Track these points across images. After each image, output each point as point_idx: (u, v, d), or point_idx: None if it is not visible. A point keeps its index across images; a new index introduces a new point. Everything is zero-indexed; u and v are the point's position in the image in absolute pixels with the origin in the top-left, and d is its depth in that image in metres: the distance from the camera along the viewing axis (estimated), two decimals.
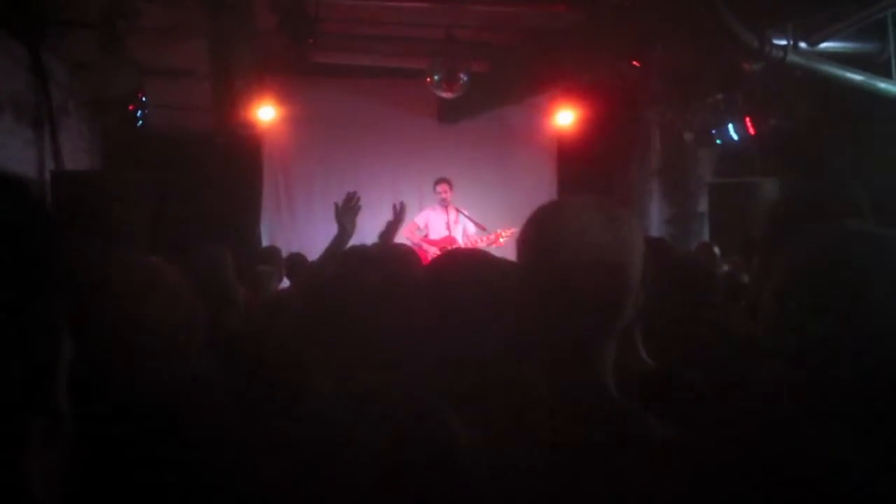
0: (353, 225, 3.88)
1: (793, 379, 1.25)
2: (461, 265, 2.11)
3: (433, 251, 8.43)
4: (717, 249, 7.28)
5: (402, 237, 7.53)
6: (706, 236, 9.19)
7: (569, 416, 1.39)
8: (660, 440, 1.36)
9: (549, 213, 1.52)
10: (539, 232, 1.50)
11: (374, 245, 4.09)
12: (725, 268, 6.46)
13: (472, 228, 9.00)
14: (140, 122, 7.14)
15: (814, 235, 1.35)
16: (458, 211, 9.12)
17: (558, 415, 1.39)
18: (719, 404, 1.67)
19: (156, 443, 1.53)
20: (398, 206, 4.48)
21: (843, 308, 1.20)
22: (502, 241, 8.50)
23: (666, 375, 2.30)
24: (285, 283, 5.91)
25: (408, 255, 3.38)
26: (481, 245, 8.47)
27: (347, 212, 3.87)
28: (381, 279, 2.27)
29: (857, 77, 6.32)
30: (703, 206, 9.66)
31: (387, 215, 9.76)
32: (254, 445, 1.50)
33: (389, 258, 3.30)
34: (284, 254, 6.68)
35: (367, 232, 4.94)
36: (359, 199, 3.93)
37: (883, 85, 6.34)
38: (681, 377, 2.24)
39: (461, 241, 8.90)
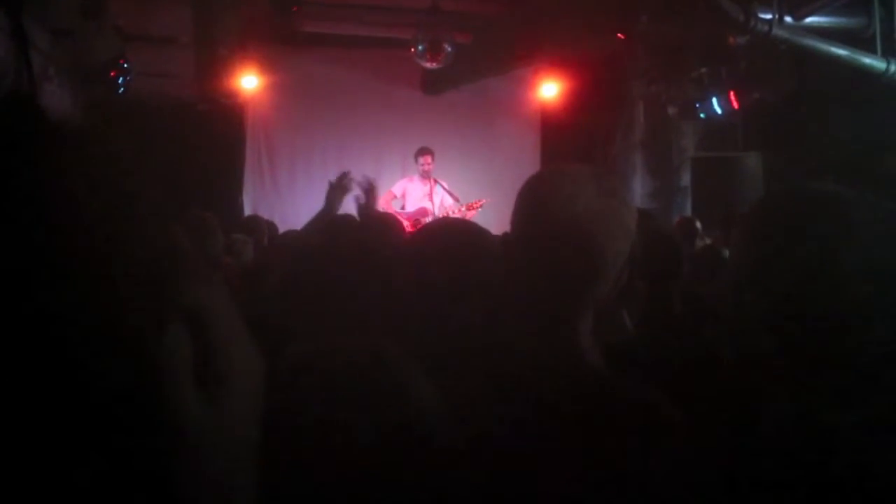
0: (340, 203, 3.93)
1: (759, 344, 1.26)
2: (443, 233, 2.12)
3: (406, 224, 8.41)
4: (699, 224, 7.31)
5: (378, 206, 7.52)
6: (689, 210, 9.23)
7: (544, 380, 1.39)
8: (633, 402, 1.38)
9: (542, 178, 1.54)
10: (530, 196, 1.51)
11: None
12: (708, 241, 6.50)
13: (448, 200, 8.95)
14: (122, 88, 7.08)
15: (770, 195, 1.36)
16: (436, 182, 9.08)
17: (533, 379, 1.40)
18: (685, 372, 1.68)
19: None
20: (366, 184, 4.46)
21: (798, 265, 1.19)
22: (472, 213, 8.43)
23: (640, 344, 2.34)
24: None
25: (392, 224, 3.39)
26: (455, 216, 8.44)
27: (337, 189, 3.91)
28: (362, 247, 2.28)
29: (841, 52, 6.33)
30: (685, 180, 9.69)
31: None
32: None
33: (372, 226, 3.32)
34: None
35: (348, 202, 4.92)
36: (351, 179, 3.97)
37: (867, 60, 6.36)
38: (651, 346, 2.28)
39: (437, 213, 8.85)
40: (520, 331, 1.49)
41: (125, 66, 6.99)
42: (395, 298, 1.90)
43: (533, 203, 1.50)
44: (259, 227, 6.33)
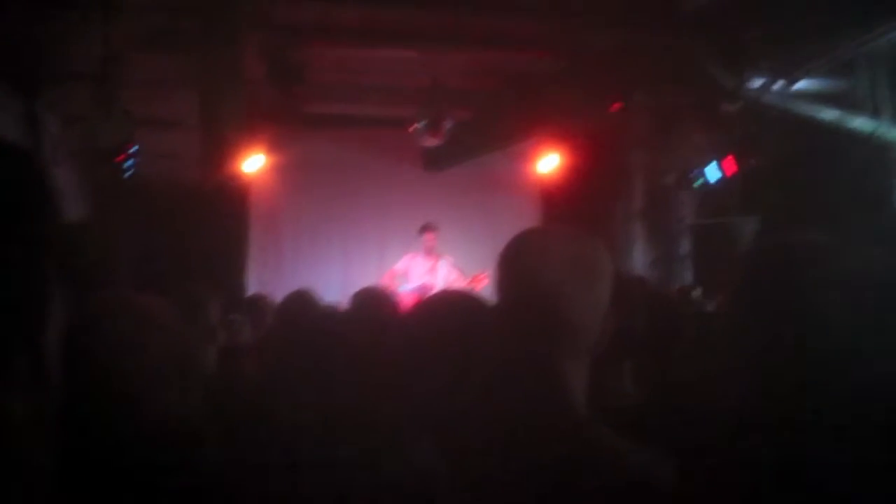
0: None
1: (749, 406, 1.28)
2: (438, 305, 2.18)
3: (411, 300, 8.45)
4: (699, 290, 7.36)
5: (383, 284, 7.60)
6: (690, 278, 9.28)
7: (536, 439, 1.42)
8: (627, 464, 1.39)
9: (516, 239, 1.60)
10: (506, 257, 1.57)
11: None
12: (710, 308, 6.53)
13: (452, 275, 8.98)
14: (130, 171, 7.21)
15: (756, 248, 1.40)
16: (441, 258, 9.14)
17: (526, 439, 1.43)
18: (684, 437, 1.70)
19: (145, 477, 1.55)
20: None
21: (785, 315, 1.22)
22: (477, 286, 8.48)
23: (642, 408, 2.36)
24: None
25: (380, 297, 3.44)
26: None
27: None
28: (355, 327, 2.34)
29: (831, 114, 6.51)
30: (685, 247, 9.77)
31: (373, 265, 9.86)
32: (237, 482, 1.54)
33: (362, 303, 3.38)
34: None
35: (355, 279, 4.99)
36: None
37: (856, 121, 6.52)
38: (652, 410, 2.31)
39: (441, 288, 8.86)
40: (514, 395, 1.52)
41: (133, 150, 7.13)
42: (392, 372, 1.94)
43: (505, 268, 1.57)
44: (261, 307, 6.36)
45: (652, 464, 1.37)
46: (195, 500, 1.54)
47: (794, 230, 1.36)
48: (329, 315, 3.04)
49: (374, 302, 3.34)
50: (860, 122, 6.53)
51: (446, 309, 2.07)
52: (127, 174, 7.29)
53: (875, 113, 6.55)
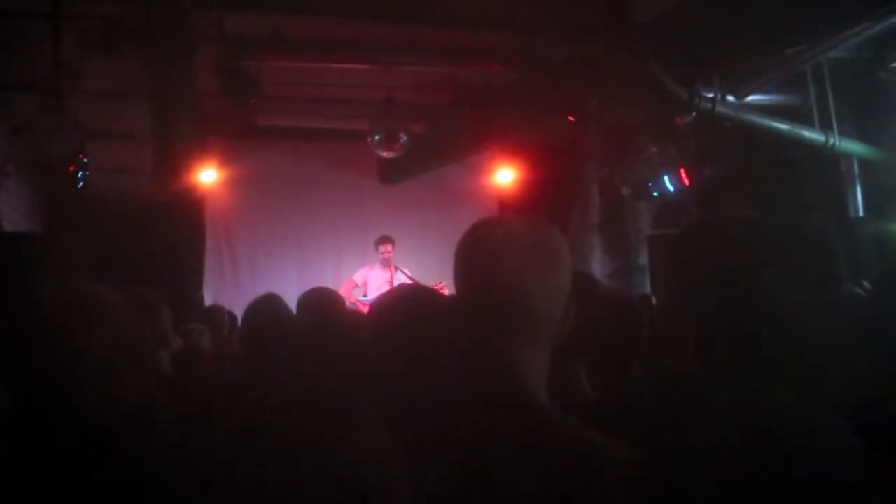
0: None
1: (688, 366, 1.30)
2: (396, 295, 2.18)
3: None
4: (655, 299, 7.40)
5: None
6: (648, 288, 9.34)
7: (495, 424, 1.42)
8: (589, 448, 1.39)
9: (471, 231, 1.59)
10: (462, 247, 1.57)
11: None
12: None
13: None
14: (81, 183, 7.10)
15: (687, 226, 1.42)
16: (397, 269, 9.15)
17: (486, 425, 1.42)
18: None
19: (103, 463, 1.54)
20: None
21: (717, 283, 1.24)
22: None
23: (599, 406, 2.36)
24: None
25: (328, 295, 3.48)
26: None
27: None
28: (308, 320, 2.33)
29: (782, 126, 6.59)
30: (643, 258, 9.83)
31: (330, 276, 9.82)
32: (194, 464, 1.52)
33: (313, 301, 3.40)
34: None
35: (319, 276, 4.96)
36: None
37: (807, 133, 6.62)
38: (609, 408, 2.31)
39: None
40: (472, 382, 1.51)
41: (84, 160, 7.02)
42: (356, 362, 1.94)
43: (463, 256, 1.56)
44: (218, 318, 6.33)
45: (613, 447, 1.37)
46: (153, 486, 1.52)
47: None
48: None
49: (324, 296, 3.38)
50: (811, 134, 6.63)
51: (403, 298, 2.09)
52: (78, 185, 7.19)
53: (824, 125, 6.65)
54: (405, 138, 8.72)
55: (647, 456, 1.31)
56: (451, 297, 1.78)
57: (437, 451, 1.44)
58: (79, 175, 7.02)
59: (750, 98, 6.70)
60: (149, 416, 1.67)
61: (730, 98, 6.58)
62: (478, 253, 1.53)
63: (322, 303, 3.33)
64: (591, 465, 1.34)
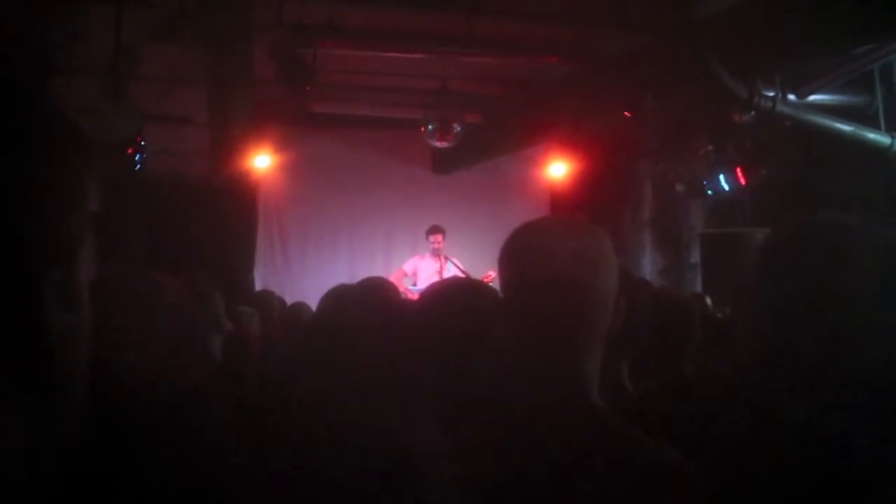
0: None
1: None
2: (447, 286, 2.17)
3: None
4: (708, 299, 7.30)
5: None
6: (699, 287, 9.22)
7: (552, 428, 1.40)
8: (648, 450, 1.39)
9: (518, 232, 1.58)
10: (510, 250, 1.55)
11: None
12: (718, 316, 6.49)
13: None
14: (139, 165, 7.21)
15: (777, 229, 1.40)
16: (447, 259, 9.15)
17: (542, 428, 1.41)
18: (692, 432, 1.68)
19: (156, 449, 1.55)
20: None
21: (805, 296, 1.22)
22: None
23: (646, 405, 2.33)
24: None
25: (383, 285, 3.44)
26: None
27: None
28: (360, 310, 2.32)
29: (846, 128, 6.44)
30: (695, 256, 9.71)
31: (380, 264, 9.87)
32: (248, 451, 1.53)
33: (366, 290, 3.37)
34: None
35: (361, 278, 4.95)
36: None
37: (871, 135, 6.45)
38: (658, 407, 2.28)
39: None
40: (528, 383, 1.49)
41: (142, 143, 7.12)
42: (408, 355, 1.93)
43: (511, 258, 1.55)
44: (268, 302, 6.38)
45: (669, 450, 1.38)
46: (207, 470, 1.53)
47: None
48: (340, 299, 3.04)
49: (381, 286, 3.34)
50: (876, 136, 6.46)
51: (454, 290, 2.07)
52: (136, 167, 7.29)
53: (890, 127, 6.48)
54: (459, 128, 8.69)
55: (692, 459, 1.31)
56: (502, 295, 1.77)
57: (486, 448, 1.43)
58: (136, 158, 7.11)
59: (812, 97, 6.56)
60: (203, 402, 1.67)
61: (791, 97, 6.44)
62: (526, 255, 1.52)
63: (380, 293, 3.29)
64: (650, 468, 1.34)
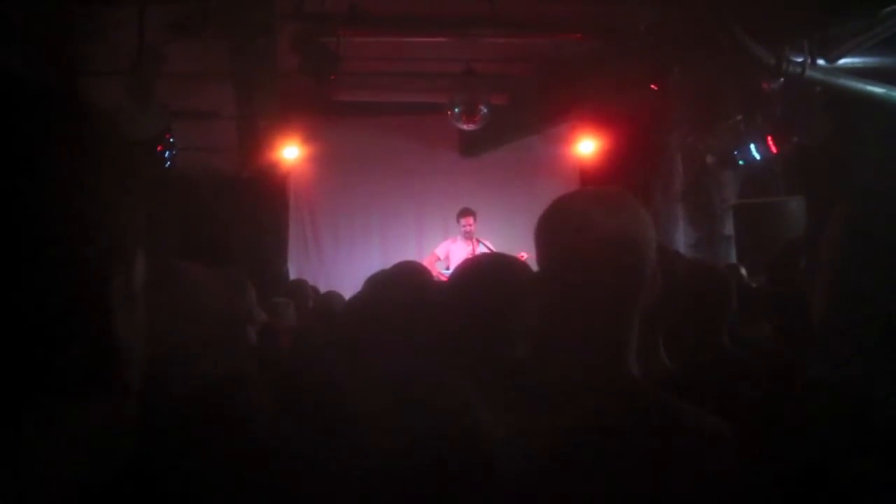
0: None
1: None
2: (481, 266, 2.17)
3: None
4: (743, 270, 7.24)
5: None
6: (734, 258, 9.14)
7: (594, 401, 1.41)
8: (693, 421, 1.39)
9: (554, 205, 1.58)
10: (547, 223, 1.55)
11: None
12: (754, 287, 6.43)
13: None
14: (168, 162, 7.27)
15: (856, 195, 1.38)
16: (479, 242, 9.15)
17: (583, 400, 1.41)
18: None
19: (197, 433, 1.57)
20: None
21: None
22: None
23: (686, 376, 2.32)
24: None
25: (418, 269, 3.45)
26: None
27: None
28: (398, 295, 2.32)
29: (878, 90, 6.31)
30: (728, 228, 9.62)
31: (412, 249, 9.88)
32: (289, 436, 1.54)
33: (403, 274, 3.38)
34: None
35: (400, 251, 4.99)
36: None
37: None
38: (698, 378, 2.26)
39: None
40: (568, 359, 1.50)
41: (171, 140, 7.18)
42: (441, 335, 1.93)
43: (548, 232, 1.55)
44: (303, 292, 6.42)
45: (711, 417, 1.38)
46: (248, 465, 1.56)
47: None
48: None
49: (414, 270, 3.36)
50: None
51: (487, 264, 2.07)
52: (166, 165, 7.36)
53: None
54: (485, 110, 8.66)
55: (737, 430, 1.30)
56: (531, 268, 1.77)
57: (533, 423, 1.43)
58: (166, 155, 7.17)
59: (842, 61, 6.44)
60: (242, 393, 1.69)
61: (820, 62, 6.33)
62: (564, 227, 1.52)
63: (414, 278, 3.29)
64: (696, 437, 1.34)
